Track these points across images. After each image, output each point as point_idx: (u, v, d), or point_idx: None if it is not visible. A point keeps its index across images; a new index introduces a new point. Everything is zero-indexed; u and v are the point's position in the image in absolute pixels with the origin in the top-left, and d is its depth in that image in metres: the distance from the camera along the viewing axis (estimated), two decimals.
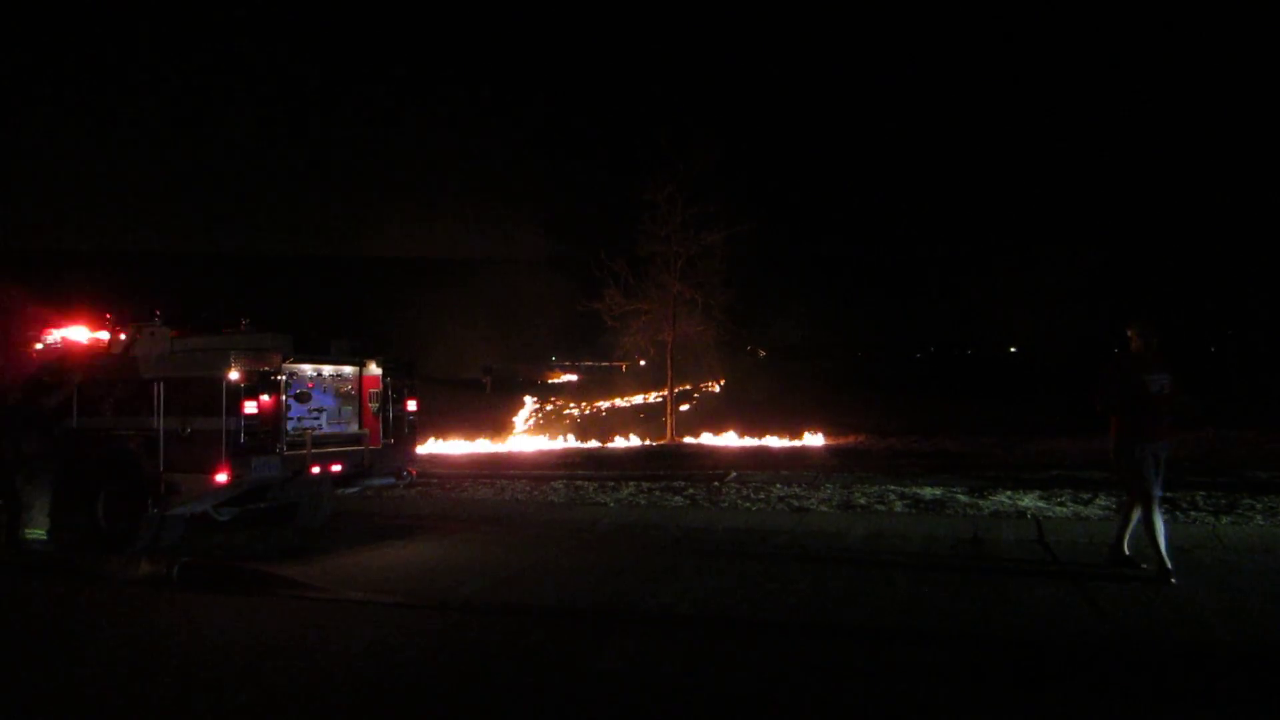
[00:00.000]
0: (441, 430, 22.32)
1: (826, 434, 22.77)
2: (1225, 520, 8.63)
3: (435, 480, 13.17)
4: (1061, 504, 9.60)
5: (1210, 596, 6.12)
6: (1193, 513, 8.98)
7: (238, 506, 8.97)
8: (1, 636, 6.13)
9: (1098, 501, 9.67)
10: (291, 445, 8.70)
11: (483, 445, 21.87)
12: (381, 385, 9.64)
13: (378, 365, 9.62)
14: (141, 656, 5.42)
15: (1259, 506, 9.15)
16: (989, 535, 8.40)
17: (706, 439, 22.22)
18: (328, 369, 9.26)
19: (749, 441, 21.72)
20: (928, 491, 10.60)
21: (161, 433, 8.46)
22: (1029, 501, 9.82)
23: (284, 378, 8.67)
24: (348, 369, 9.45)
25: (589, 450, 20.03)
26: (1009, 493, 10.36)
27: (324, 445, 9.00)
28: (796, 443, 21.41)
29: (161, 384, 8.53)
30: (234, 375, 8.13)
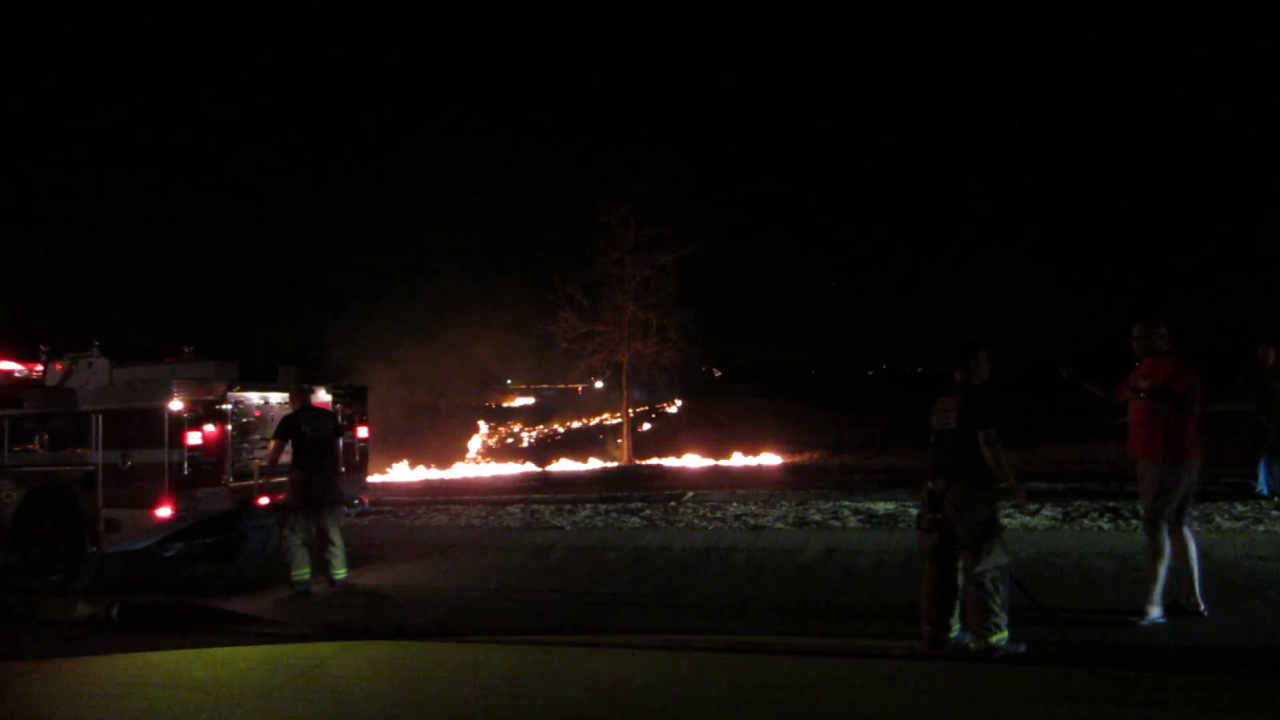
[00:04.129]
0: (395, 457, 22.03)
1: (782, 452, 22.92)
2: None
3: (389, 508, 12.98)
4: (1009, 516, 9.73)
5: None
6: (1134, 521, 9.16)
7: (183, 541, 8.72)
8: None
9: (1043, 513, 9.83)
10: (238, 476, 8.51)
11: (437, 471, 21.63)
12: (332, 412, 9.49)
13: (328, 392, 9.47)
14: (76, 706, 5.22)
15: (1195, 514, 9.36)
16: None
17: (663, 460, 22.23)
18: (275, 397, 9.08)
19: (706, 461, 21.77)
20: (880, 506, 10.69)
21: (100, 467, 8.21)
22: None
23: (229, 407, 8.49)
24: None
25: (545, 474, 19.92)
26: None
27: (273, 476, 8.82)
28: (753, 461, 21.50)
29: (100, 416, 8.29)
30: (176, 405, 7.94)
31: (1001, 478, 5.58)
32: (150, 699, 5.13)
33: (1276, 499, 10.03)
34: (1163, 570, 5.89)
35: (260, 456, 8.68)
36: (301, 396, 8.39)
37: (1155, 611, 5.84)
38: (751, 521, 10.19)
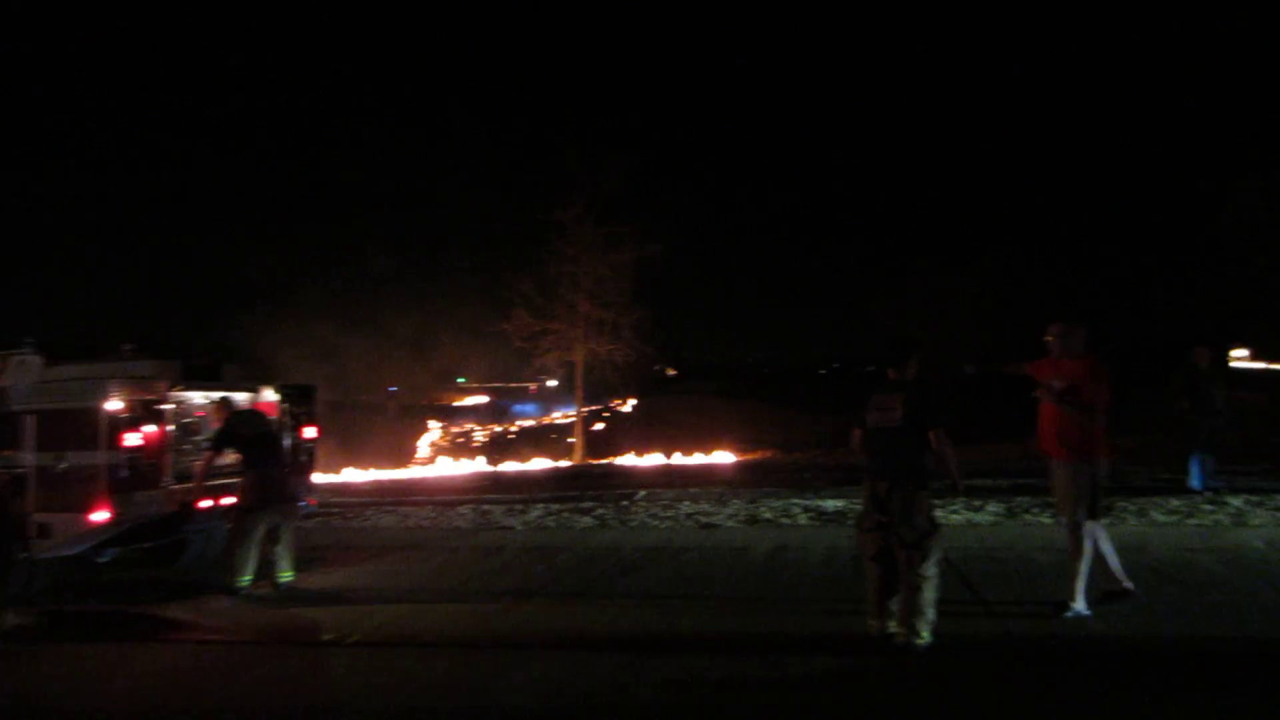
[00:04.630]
0: (343, 458, 21.74)
1: (735, 450, 23.07)
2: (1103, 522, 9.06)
3: (336, 510, 12.79)
4: (955, 512, 9.92)
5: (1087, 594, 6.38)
6: None
7: (120, 546, 8.48)
8: None
9: (988, 509, 10.03)
10: (179, 479, 8.30)
11: (387, 472, 21.39)
12: (278, 413, 9.31)
13: (274, 391, 9.29)
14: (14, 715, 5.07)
15: (1132, 509, 9.63)
16: None
17: (616, 459, 22.23)
18: (220, 397, 8.89)
19: (659, 460, 21.83)
20: (830, 504, 10.81)
21: (32, 469, 7.94)
22: None
23: (171, 407, 8.29)
24: (241, 395, 9.09)
25: (497, 473, 19.81)
26: None
27: (215, 477, 8.62)
28: (706, 460, 21.62)
29: (33, 416, 8.02)
30: (114, 405, 7.71)
31: (948, 475, 5.70)
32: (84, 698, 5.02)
33: (1208, 493, 10.34)
34: (1084, 567, 6.04)
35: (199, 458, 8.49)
36: (225, 407, 8.20)
37: (1079, 605, 5.97)
38: (703, 520, 10.24)
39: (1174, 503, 9.88)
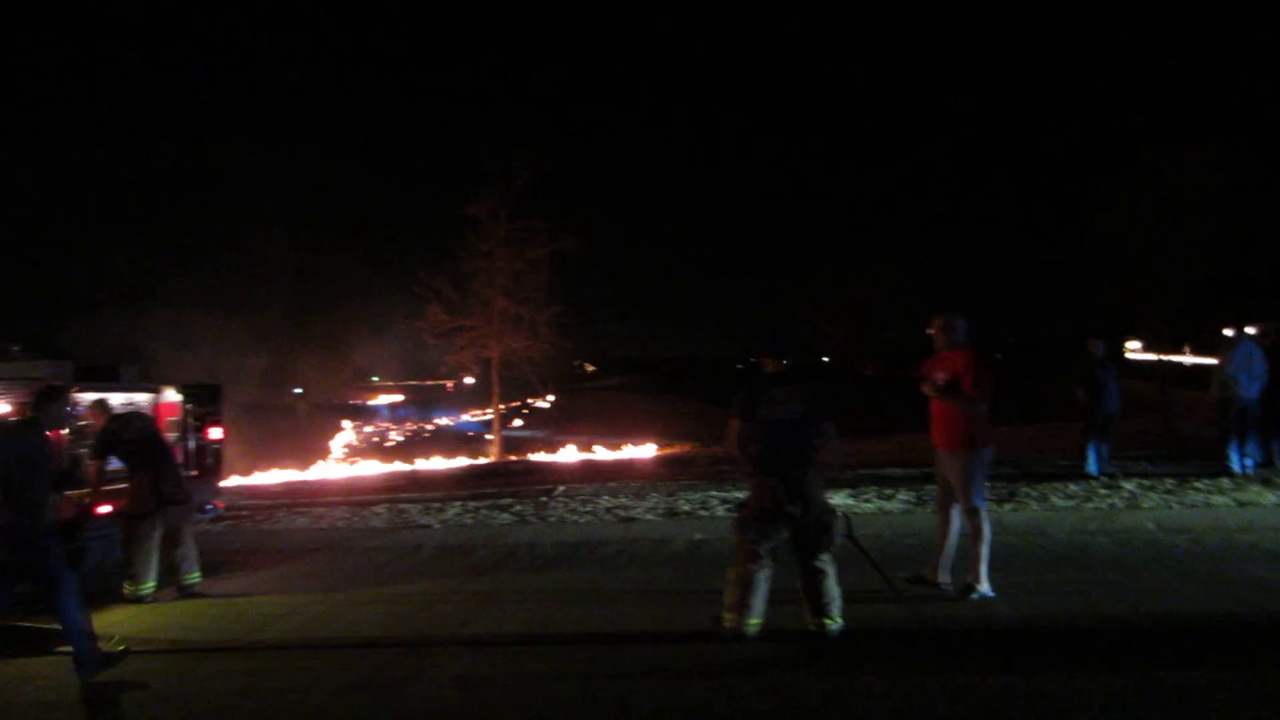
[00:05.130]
0: (254, 459, 21.11)
1: (656, 444, 23.22)
2: (1007, 508, 9.43)
3: (246, 512, 12.40)
4: (868, 500, 10.19)
5: (993, 576, 6.63)
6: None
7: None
8: None
9: (899, 497, 10.33)
10: (75, 484, 7.95)
11: (300, 473, 20.87)
12: (181, 413, 9.00)
13: (176, 392, 8.99)
14: None
15: (1034, 494, 10.04)
16: None
17: (536, 455, 22.15)
18: (117, 398, 8.54)
19: (579, 455, 21.83)
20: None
21: None
22: (839, 500, 10.33)
23: (65, 409, 7.92)
24: (141, 397, 8.76)
25: (414, 472, 19.50)
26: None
27: (115, 481, 8.28)
28: (626, 454, 21.70)
29: None
30: (1, 408, 7.37)
31: (833, 464, 5.91)
32: None
33: (1104, 478, 10.85)
34: (985, 550, 6.28)
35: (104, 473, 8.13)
36: (101, 409, 7.87)
37: (984, 587, 6.23)
38: (622, 514, 10.27)
39: (1073, 488, 10.31)
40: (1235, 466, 10.64)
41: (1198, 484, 10.02)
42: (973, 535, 6.32)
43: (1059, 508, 9.37)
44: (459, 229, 21.99)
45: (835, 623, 5.48)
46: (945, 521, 6.55)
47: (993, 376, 6.29)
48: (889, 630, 5.70)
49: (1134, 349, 42.53)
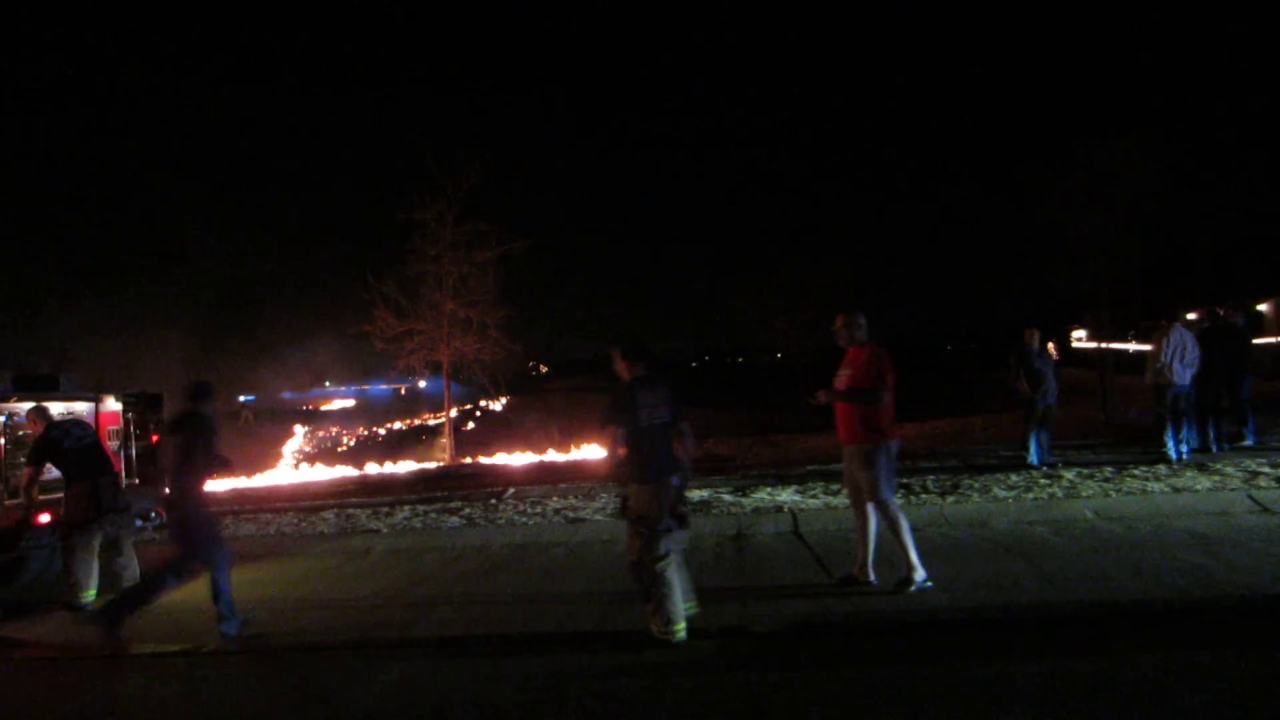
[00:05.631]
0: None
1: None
2: (949, 500, 9.63)
3: None
4: (814, 496, 10.34)
5: (934, 568, 6.79)
6: (924, 495, 9.95)
7: None
8: None
9: (844, 493, 10.49)
10: (13, 493, 7.81)
11: (249, 479, 20.54)
12: (122, 421, 8.86)
13: (117, 400, 8.84)
14: None
15: (976, 485, 10.26)
16: (751, 531, 8.92)
17: (487, 458, 22.03)
18: (57, 406, 8.38)
19: (531, 458, 21.75)
20: (695, 493, 11.05)
21: None
22: (786, 496, 10.50)
23: (2, 419, 7.78)
24: (81, 405, 8.61)
25: (363, 477, 19.30)
26: (769, 489, 11.03)
27: (55, 490, 8.13)
28: (578, 455, 21.68)
29: None
30: None
31: (690, 464, 5.92)
32: None
33: (1045, 468, 11.11)
34: (907, 538, 6.38)
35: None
36: (41, 415, 7.74)
37: (919, 575, 6.33)
38: (571, 515, 10.31)
39: (1014, 478, 10.53)
40: (1172, 453, 10.92)
41: (1135, 471, 10.28)
42: (891, 527, 6.42)
43: (1000, 499, 9.55)
44: (406, 233, 21.81)
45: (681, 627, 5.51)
46: (862, 518, 6.61)
47: (890, 369, 6.44)
48: (828, 625, 5.77)
49: (1079, 337, 43.55)
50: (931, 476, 11.13)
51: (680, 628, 5.45)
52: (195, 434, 6.34)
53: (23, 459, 8.03)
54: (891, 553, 6.53)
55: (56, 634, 6.70)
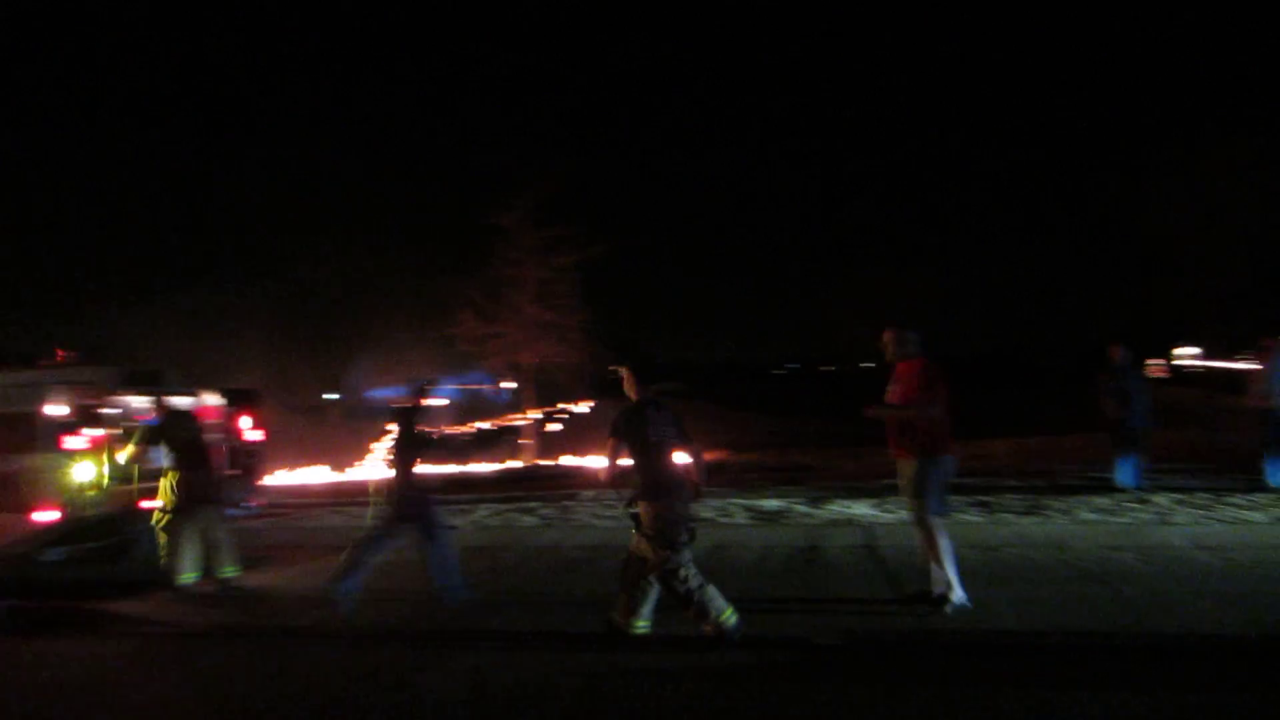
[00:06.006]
0: (295, 459, 21.60)
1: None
2: (1029, 520, 9.42)
3: (285, 510, 12.82)
4: (889, 510, 10.24)
5: (1006, 589, 6.67)
6: (1002, 514, 9.76)
7: (67, 545, 8.53)
8: None
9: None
10: (123, 480, 8.37)
11: (341, 474, 21.31)
12: (221, 416, 9.38)
13: (218, 396, 9.37)
14: None
15: (1059, 507, 9.99)
16: (822, 543, 8.91)
17: (569, 460, 22.37)
18: (157, 396, 8.94)
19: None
20: (770, 503, 11.08)
21: None
22: (861, 510, 10.43)
23: (113, 411, 8.35)
24: (183, 400, 9.15)
25: (448, 474, 19.83)
26: (844, 502, 10.97)
27: (158, 479, 8.67)
28: None
29: None
30: (55, 410, 7.79)
31: (703, 483, 6.25)
32: (28, 690, 5.11)
33: (1136, 491, 10.67)
34: (947, 557, 6.27)
35: (143, 461, 8.55)
36: (160, 405, 8.28)
37: (959, 596, 6.21)
38: None
39: (1101, 501, 10.22)
40: (1273, 480, 10.44)
41: (1235, 499, 9.88)
42: (928, 544, 6.32)
43: (1084, 521, 9.32)
44: (489, 237, 22.35)
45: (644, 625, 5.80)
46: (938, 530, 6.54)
47: (942, 384, 6.34)
48: (889, 640, 5.76)
49: (1186, 355, 41.61)
50: (1013, 495, 10.91)
51: (641, 624, 5.77)
52: (411, 424, 7.20)
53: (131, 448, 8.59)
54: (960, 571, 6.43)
55: (160, 611, 7.16)
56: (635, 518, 5.83)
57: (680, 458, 5.94)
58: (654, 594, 5.79)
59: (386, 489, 7.18)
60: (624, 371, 6.11)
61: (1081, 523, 9.25)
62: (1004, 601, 6.35)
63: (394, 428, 7.28)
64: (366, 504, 13.21)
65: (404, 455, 7.12)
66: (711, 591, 5.68)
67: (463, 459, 8.06)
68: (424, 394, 7.65)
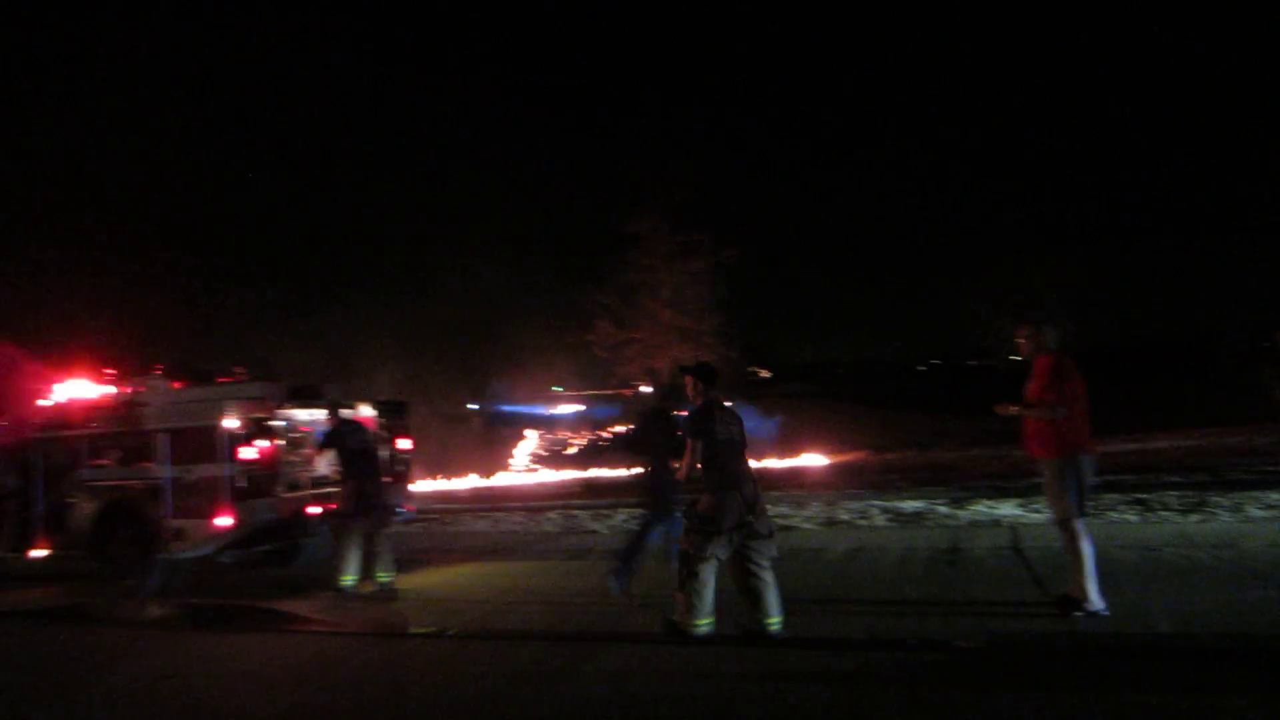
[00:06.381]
0: (441, 467, 22.61)
1: (829, 452, 22.99)
2: (1193, 518, 8.90)
3: (434, 516, 13.50)
4: (1037, 511, 9.87)
5: (1165, 592, 6.35)
6: (1163, 512, 9.26)
7: (241, 549, 9.31)
8: (17, 682, 6.29)
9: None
10: (290, 488, 9.06)
11: (485, 480, 22.15)
12: (375, 426, 9.98)
13: (371, 407, 9.98)
14: (151, 695, 5.72)
15: (1226, 504, 9.40)
16: (966, 545, 8.69)
17: None
18: (321, 413, 9.61)
19: (751, 463, 21.92)
20: (909, 504, 10.88)
21: (167, 481, 8.85)
22: (1006, 510, 10.11)
23: (280, 424, 9.05)
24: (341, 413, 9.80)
25: (587, 480, 20.32)
26: (988, 502, 10.66)
27: (321, 487, 9.35)
28: (796, 462, 21.66)
29: (165, 434, 8.93)
30: (231, 423, 8.52)
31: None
32: (212, 681, 5.65)
33: None
34: (1088, 563, 5.96)
35: (308, 469, 9.26)
36: (334, 412, 8.88)
37: (1094, 604, 5.92)
38: (781, 522, 10.44)
39: (1275, 496, 9.58)
40: None
41: None
42: (1070, 548, 6.03)
43: (1255, 519, 8.75)
44: (623, 246, 22.74)
45: (776, 622, 5.92)
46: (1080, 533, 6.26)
47: (1075, 380, 6.05)
48: (1033, 644, 5.60)
49: None
50: (1175, 492, 10.34)
51: (702, 624, 5.94)
52: (660, 425, 7.68)
53: (295, 458, 9.29)
54: (1111, 573, 6.18)
55: (321, 612, 7.72)
56: (693, 503, 6.17)
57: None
58: (710, 587, 5.99)
59: (646, 486, 7.70)
60: (687, 378, 6.50)
61: (1251, 520, 8.68)
62: (1158, 604, 6.06)
63: (638, 428, 7.97)
64: (510, 510, 13.82)
65: (662, 454, 7.50)
66: (708, 594, 5.95)
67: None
68: (676, 397, 7.96)
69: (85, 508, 9.48)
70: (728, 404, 6.42)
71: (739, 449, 6.19)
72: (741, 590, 6.04)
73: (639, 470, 8.31)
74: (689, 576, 5.98)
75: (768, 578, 6.00)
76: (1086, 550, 5.98)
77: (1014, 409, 6.28)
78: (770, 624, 5.92)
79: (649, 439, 7.72)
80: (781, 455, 22.73)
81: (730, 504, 5.96)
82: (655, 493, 7.57)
